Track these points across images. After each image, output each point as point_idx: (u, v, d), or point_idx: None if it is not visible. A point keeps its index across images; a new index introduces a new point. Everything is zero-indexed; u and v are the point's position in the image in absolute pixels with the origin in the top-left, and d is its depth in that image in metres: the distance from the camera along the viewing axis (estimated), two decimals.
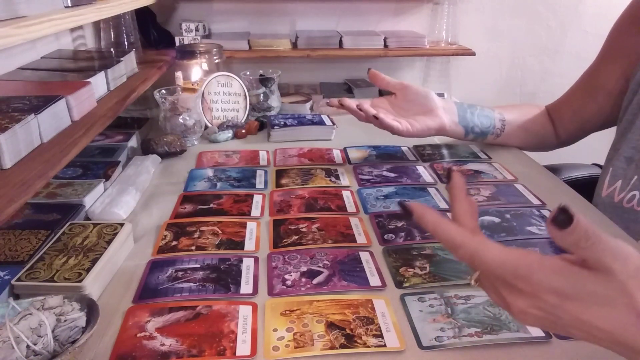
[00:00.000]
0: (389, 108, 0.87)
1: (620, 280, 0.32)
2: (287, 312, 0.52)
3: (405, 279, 0.58)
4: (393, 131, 0.83)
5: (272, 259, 0.62)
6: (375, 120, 0.81)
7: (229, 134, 1.03)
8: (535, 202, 0.76)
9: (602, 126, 0.87)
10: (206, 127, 1.05)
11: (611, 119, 0.83)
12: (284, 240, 0.66)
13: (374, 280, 0.57)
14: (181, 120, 0.98)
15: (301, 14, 1.54)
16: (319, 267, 0.60)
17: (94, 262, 0.56)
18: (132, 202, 0.75)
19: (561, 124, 0.92)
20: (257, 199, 0.77)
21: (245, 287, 0.56)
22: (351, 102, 0.83)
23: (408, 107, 0.86)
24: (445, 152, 0.95)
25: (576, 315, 0.34)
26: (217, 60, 1.17)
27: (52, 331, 0.44)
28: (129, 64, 1.00)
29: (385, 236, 0.67)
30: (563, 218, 0.32)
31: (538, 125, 0.93)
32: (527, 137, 0.94)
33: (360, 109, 0.82)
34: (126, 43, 1.18)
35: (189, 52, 1.16)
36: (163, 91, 0.99)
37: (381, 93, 1.33)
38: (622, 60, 0.79)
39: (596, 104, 0.84)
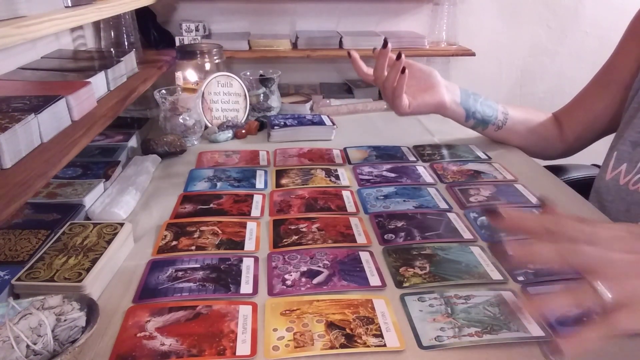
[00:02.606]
0: None
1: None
2: (287, 312, 0.52)
3: (405, 279, 0.58)
4: (392, 104, 0.83)
5: (272, 258, 0.62)
6: (402, 74, 0.79)
7: (229, 134, 1.03)
8: (535, 202, 0.76)
9: (610, 123, 0.87)
10: (206, 127, 1.05)
11: (618, 116, 0.83)
12: (284, 240, 0.66)
13: (374, 280, 0.57)
14: (181, 120, 0.98)
15: (301, 14, 1.53)
16: (319, 267, 0.60)
17: (94, 262, 0.56)
18: (132, 202, 0.75)
19: (570, 124, 0.92)
20: (257, 199, 0.77)
21: (245, 287, 0.56)
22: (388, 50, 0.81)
23: (410, 84, 0.86)
24: (445, 152, 0.95)
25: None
26: (217, 60, 1.17)
27: (52, 331, 0.44)
28: (129, 64, 1.00)
29: (385, 236, 0.67)
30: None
31: (541, 127, 0.93)
32: (529, 136, 0.94)
33: (396, 60, 0.80)
34: (126, 43, 1.18)
35: (189, 52, 1.16)
36: (163, 91, 0.99)
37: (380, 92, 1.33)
38: (638, 46, 0.80)
39: (609, 95, 0.85)
